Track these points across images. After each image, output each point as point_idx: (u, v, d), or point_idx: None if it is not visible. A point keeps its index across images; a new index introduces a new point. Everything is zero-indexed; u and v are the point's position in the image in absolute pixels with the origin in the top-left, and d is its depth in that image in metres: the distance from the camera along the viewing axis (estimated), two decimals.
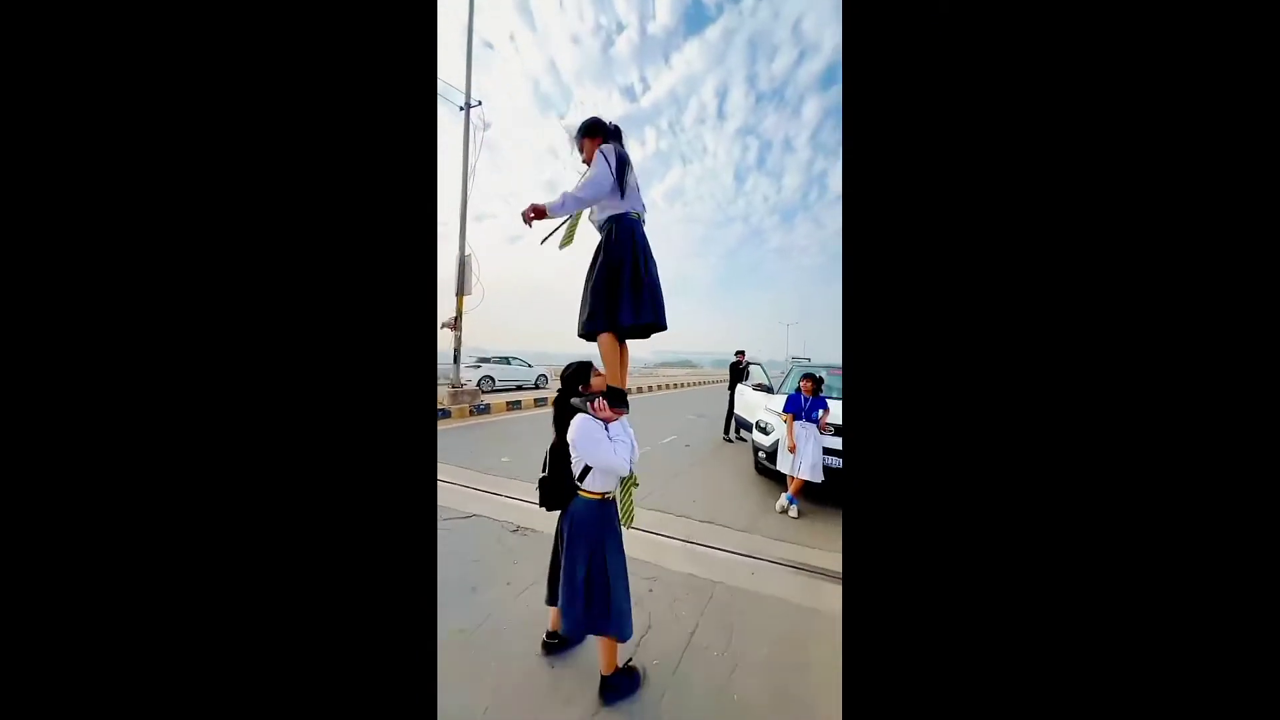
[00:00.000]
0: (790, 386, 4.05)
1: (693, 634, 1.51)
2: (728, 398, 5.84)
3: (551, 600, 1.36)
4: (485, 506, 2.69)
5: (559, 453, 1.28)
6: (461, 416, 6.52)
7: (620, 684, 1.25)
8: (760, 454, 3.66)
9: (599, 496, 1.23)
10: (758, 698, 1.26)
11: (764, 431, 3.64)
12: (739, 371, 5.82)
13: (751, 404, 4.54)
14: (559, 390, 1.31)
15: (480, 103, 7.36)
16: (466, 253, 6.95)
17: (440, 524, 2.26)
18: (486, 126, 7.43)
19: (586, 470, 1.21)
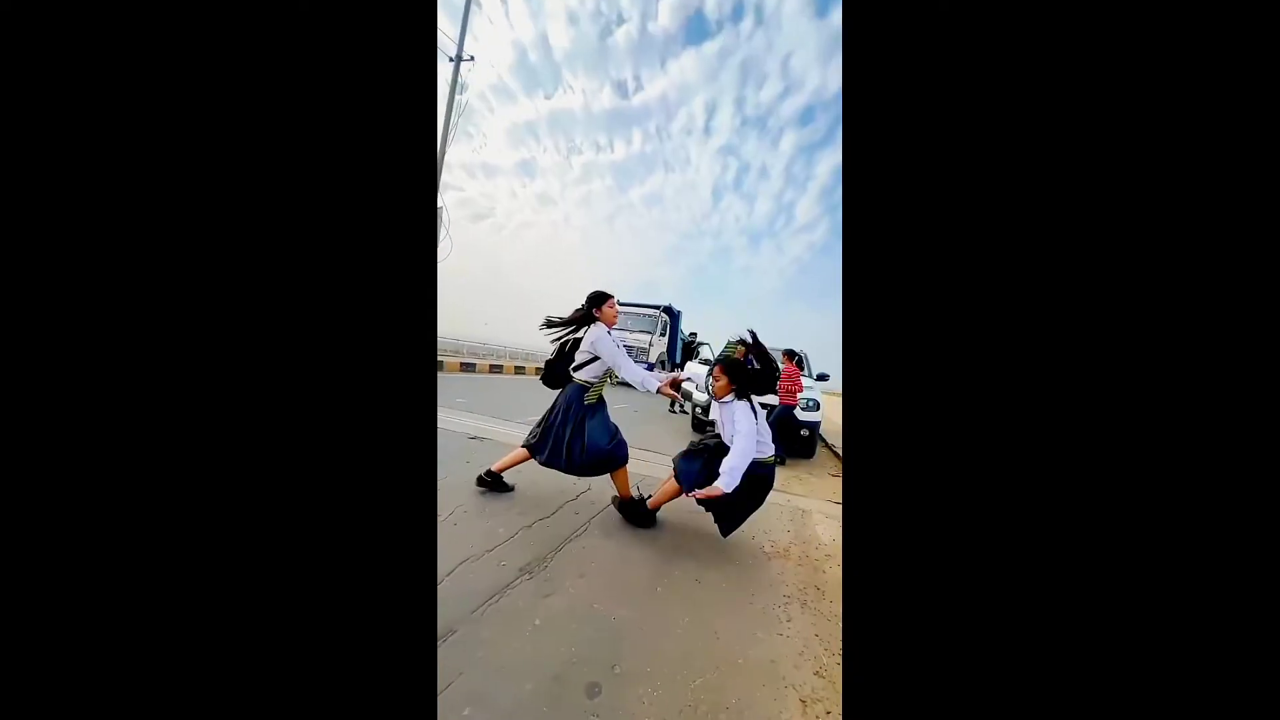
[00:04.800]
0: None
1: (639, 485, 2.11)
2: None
3: (531, 445, 1.89)
4: (446, 421, 3.09)
5: (562, 349, 1.91)
6: None
7: (628, 507, 1.85)
8: (697, 409, 4.37)
9: (585, 384, 1.85)
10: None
11: (700, 391, 4.40)
12: (691, 349, 6.53)
13: (697, 376, 5.26)
14: (585, 305, 1.91)
15: (473, 58, 7.20)
16: (439, 205, 6.91)
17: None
18: (464, 89, 6.81)
19: (582, 366, 1.83)
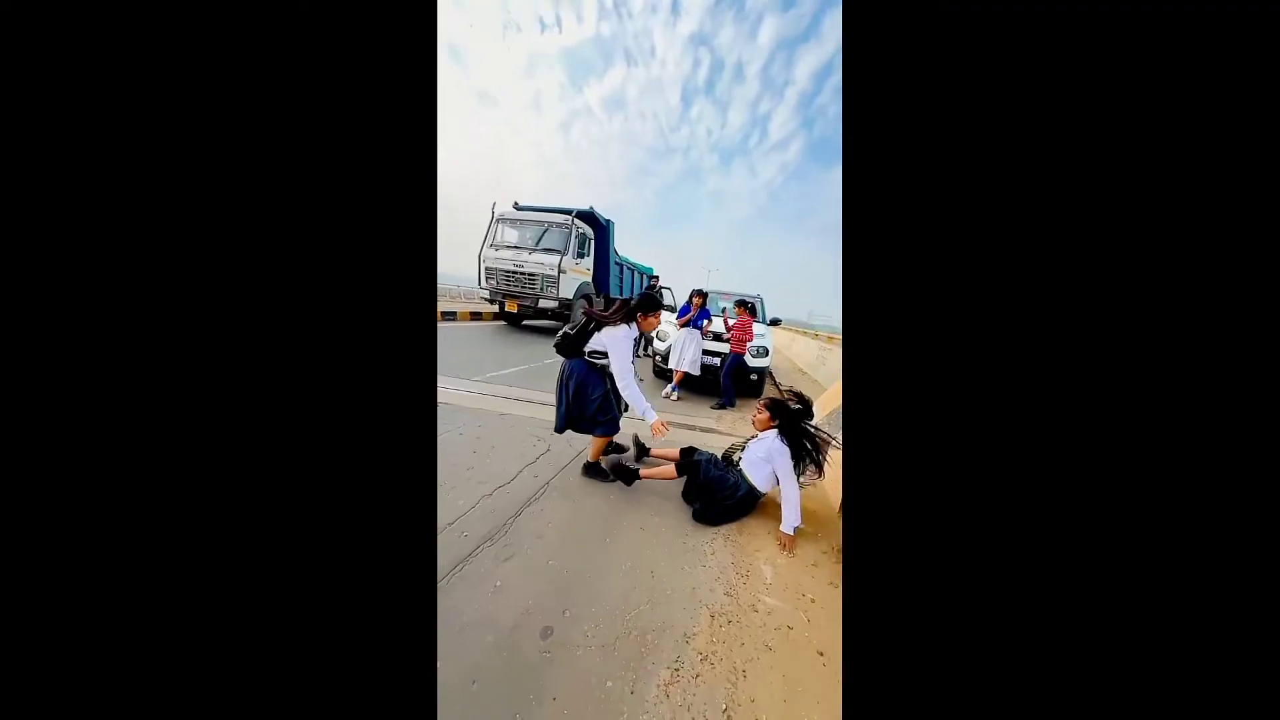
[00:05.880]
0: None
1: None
2: None
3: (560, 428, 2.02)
4: None
5: (585, 326, 1.89)
6: None
7: (595, 470, 2.02)
8: (657, 357, 4.57)
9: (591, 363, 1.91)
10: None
11: (661, 340, 4.54)
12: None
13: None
14: (642, 297, 1.89)
15: None
16: None
17: None
18: None
19: (596, 353, 1.86)
